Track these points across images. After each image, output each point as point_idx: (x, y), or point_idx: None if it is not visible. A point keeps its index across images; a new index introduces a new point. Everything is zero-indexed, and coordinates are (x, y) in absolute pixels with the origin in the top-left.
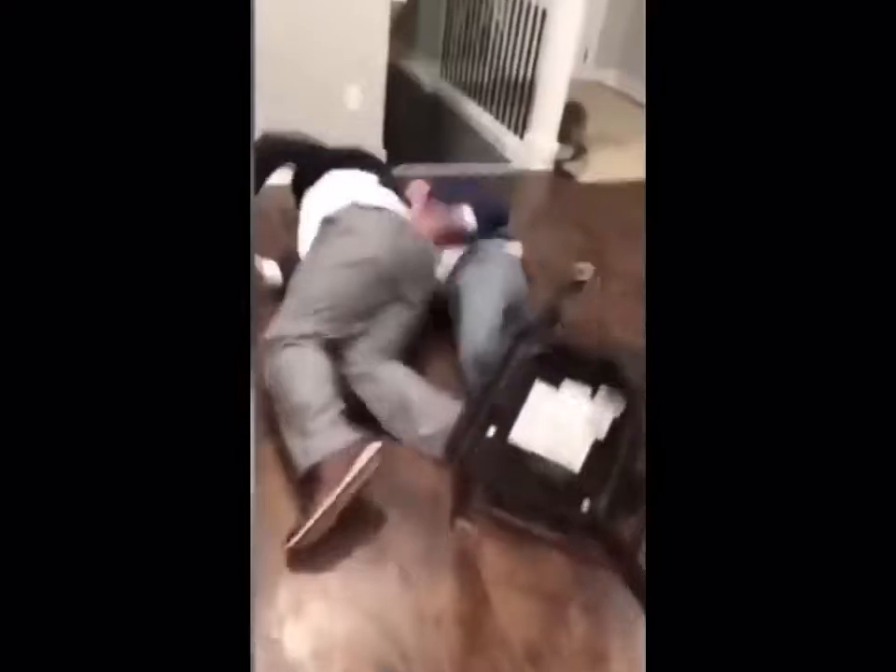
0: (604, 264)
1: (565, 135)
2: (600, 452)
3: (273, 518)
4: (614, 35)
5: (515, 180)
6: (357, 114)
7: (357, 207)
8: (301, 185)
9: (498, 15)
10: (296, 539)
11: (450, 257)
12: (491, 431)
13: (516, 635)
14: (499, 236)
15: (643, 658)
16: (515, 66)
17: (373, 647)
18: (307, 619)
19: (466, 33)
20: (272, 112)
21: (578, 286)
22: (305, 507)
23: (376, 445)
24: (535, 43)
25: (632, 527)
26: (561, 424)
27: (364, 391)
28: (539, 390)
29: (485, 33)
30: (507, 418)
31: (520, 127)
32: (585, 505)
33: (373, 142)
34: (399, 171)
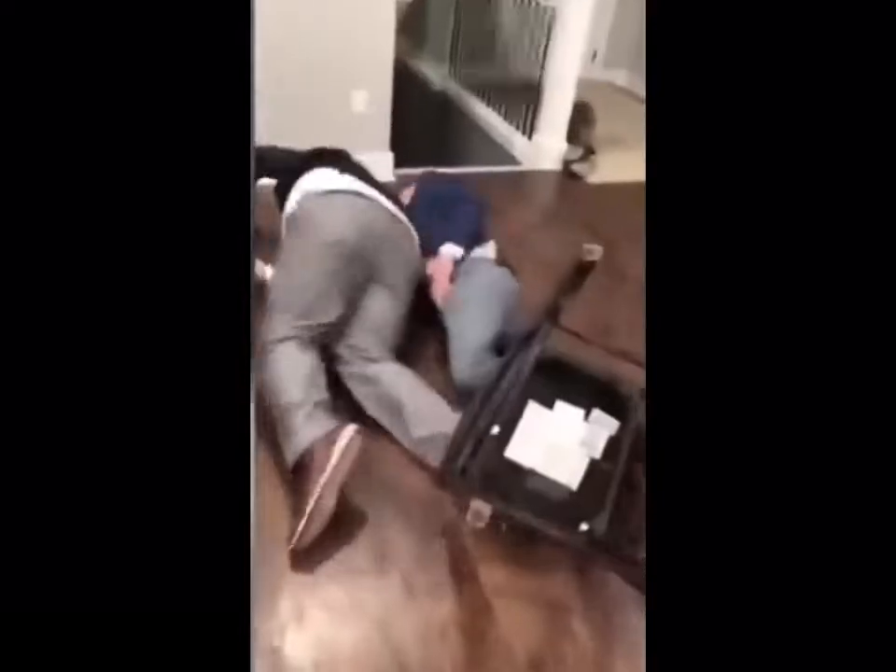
0: (611, 267)
1: (573, 136)
2: (598, 470)
3: (273, 525)
4: (623, 36)
5: (524, 181)
6: (363, 116)
7: (314, 195)
8: (282, 196)
9: (507, 15)
10: (295, 538)
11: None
12: (487, 449)
13: (519, 643)
14: (475, 243)
15: (644, 667)
16: (524, 67)
17: (377, 655)
18: (308, 627)
19: (474, 33)
20: (276, 116)
21: (587, 268)
22: (297, 503)
23: (352, 427)
24: (543, 43)
25: (633, 545)
26: (555, 444)
27: (359, 392)
28: (533, 410)
29: (494, 33)
30: (502, 438)
31: (528, 128)
32: (583, 526)
33: (381, 144)
34: (404, 172)
